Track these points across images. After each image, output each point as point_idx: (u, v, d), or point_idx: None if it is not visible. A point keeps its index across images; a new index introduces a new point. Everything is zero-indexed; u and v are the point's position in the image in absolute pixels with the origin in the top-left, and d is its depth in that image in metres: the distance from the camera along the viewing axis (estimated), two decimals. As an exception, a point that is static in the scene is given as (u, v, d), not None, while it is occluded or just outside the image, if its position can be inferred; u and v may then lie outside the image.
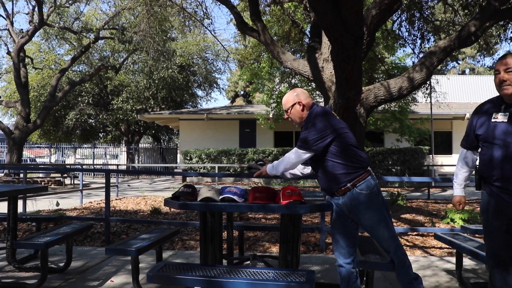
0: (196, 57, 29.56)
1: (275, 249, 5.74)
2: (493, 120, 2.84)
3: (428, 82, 15.06)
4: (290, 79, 17.89)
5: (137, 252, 3.73)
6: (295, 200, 3.07)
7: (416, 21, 13.14)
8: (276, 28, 15.46)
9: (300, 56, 15.63)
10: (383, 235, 3.06)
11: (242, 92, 49.55)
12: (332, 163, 3.07)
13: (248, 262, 4.52)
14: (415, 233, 6.60)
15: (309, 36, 11.76)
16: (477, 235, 5.50)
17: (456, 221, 7.16)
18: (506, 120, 2.77)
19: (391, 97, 8.25)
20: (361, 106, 8.68)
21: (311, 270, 3.48)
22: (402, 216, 8.47)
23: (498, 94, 2.95)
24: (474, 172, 3.13)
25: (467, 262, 5.11)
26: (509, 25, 11.90)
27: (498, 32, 13.18)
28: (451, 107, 22.76)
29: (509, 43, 47.31)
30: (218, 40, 19.39)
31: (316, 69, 9.41)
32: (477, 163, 3.08)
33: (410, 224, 7.48)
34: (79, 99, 28.24)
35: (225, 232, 4.65)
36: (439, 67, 15.56)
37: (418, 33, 13.48)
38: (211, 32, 16.69)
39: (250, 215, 8.16)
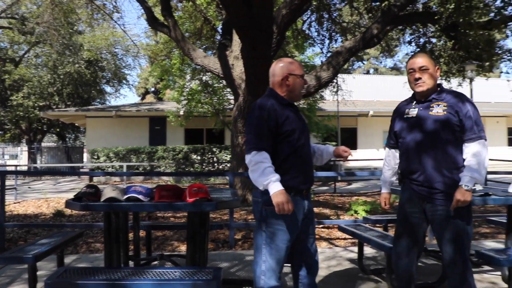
0: (104, 52, 28.41)
1: (184, 248, 5.67)
2: (405, 116, 3.02)
3: (334, 81, 15.68)
4: (201, 76, 17.81)
5: (34, 259, 3.49)
6: (201, 198, 3.04)
7: (325, 22, 13.64)
8: (188, 24, 15.30)
9: (212, 53, 15.60)
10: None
11: (152, 89, 48.44)
12: None
13: (156, 262, 4.42)
14: (321, 226, 6.83)
15: (220, 33, 11.78)
16: (377, 225, 5.83)
17: (359, 213, 7.53)
18: (415, 115, 2.95)
19: (299, 94, 8.47)
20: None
21: (218, 267, 3.48)
22: (310, 210, 8.75)
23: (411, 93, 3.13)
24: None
25: (369, 250, 5.39)
26: (407, 29, 12.74)
27: (397, 36, 14.04)
28: (356, 105, 23.91)
29: (407, 46, 50.81)
30: (128, 35, 18.89)
31: (226, 66, 9.45)
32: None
33: (317, 217, 7.74)
34: (-28, 94, 26.06)
35: (133, 233, 4.51)
36: (345, 66, 16.25)
37: (327, 33, 14.03)
38: (120, 27, 16.21)
39: (159, 214, 8.00)
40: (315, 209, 8.75)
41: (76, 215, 8.36)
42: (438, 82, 3.00)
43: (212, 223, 5.86)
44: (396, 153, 3.22)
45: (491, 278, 4.30)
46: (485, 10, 10.12)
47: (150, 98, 49.40)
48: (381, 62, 53.45)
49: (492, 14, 10.52)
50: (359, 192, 12.37)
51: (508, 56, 11.73)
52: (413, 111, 2.97)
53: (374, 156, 25.50)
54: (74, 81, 27.52)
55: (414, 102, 3.02)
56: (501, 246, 5.30)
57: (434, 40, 12.30)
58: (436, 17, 9.54)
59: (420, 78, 2.92)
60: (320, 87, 9.99)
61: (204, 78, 17.87)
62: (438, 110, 2.85)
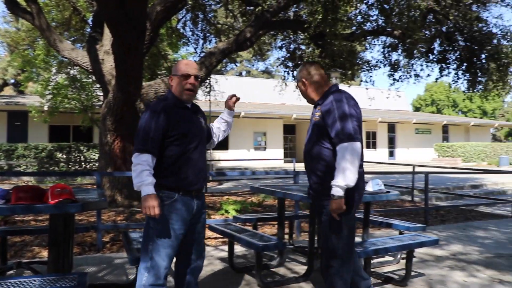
0: (-49, 34, 25.28)
1: (46, 254, 5.27)
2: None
3: (207, 81, 15.79)
4: (68, 69, 16.78)
5: None
6: (65, 199, 2.85)
7: (200, 22, 13.68)
8: (55, 13, 14.29)
9: (81, 47, 14.75)
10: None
11: (12, 81, 44.39)
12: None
13: (12, 271, 4.05)
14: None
15: (91, 25, 11.19)
16: (247, 224, 5.97)
17: (229, 212, 7.66)
18: (310, 119, 3.08)
19: (172, 93, 8.38)
20: (141, 101, 8.62)
21: (84, 272, 3.30)
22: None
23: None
24: None
25: (239, 249, 5.51)
26: (279, 35, 13.30)
27: (270, 41, 14.57)
28: (228, 106, 24.32)
29: (278, 51, 53.12)
30: (-19, 19, 17.01)
31: (96, 61, 9.02)
32: None
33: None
34: None
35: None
36: (218, 67, 16.43)
37: (201, 33, 14.08)
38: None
39: (17, 218, 7.34)
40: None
41: None
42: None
43: (78, 226, 5.52)
44: None
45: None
46: (348, 23, 11.00)
47: (9, 90, 45.13)
48: (253, 65, 55.13)
49: (354, 28, 11.46)
50: (229, 192, 12.59)
51: (366, 67, 12.88)
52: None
53: (245, 156, 26.20)
54: None
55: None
56: (358, 239, 5.76)
57: (303, 47, 13.01)
58: (305, 26, 10.11)
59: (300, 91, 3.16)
60: (194, 86, 9.97)
61: (72, 72, 16.88)
62: (316, 116, 2.97)
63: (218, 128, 3.29)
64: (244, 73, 55.85)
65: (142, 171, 2.63)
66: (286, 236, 5.63)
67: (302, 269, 4.59)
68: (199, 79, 2.94)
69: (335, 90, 2.99)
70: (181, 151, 2.76)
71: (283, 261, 4.83)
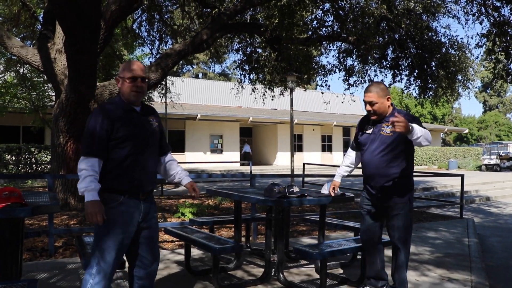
0: None
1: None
2: (366, 131, 3.69)
3: (163, 82, 15.60)
4: (18, 67, 16.16)
5: None
6: (14, 203, 2.73)
7: (156, 23, 13.51)
8: (1, 7, 13.71)
9: (31, 44, 14.24)
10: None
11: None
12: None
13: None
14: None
15: (42, 22, 10.83)
16: (204, 227, 5.93)
17: (186, 215, 7.57)
18: (370, 133, 3.64)
19: (127, 94, 8.21)
20: (95, 102, 8.41)
21: (34, 279, 3.17)
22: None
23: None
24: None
25: (196, 252, 5.45)
26: (235, 38, 13.31)
27: (226, 43, 14.55)
28: (184, 108, 24.16)
29: (235, 54, 53.19)
30: None
31: (47, 60, 8.74)
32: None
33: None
34: None
35: None
36: (174, 69, 16.28)
37: (157, 34, 13.90)
38: None
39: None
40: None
41: None
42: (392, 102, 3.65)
43: (28, 230, 5.31)
44: (353, 155, 3.99)
45: (307, 271, 4.69)
46: (304, 28, 11.14)
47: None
48: (210, 67, 54.96)
49: (310, 33, 11.62)
50: (186, 195, 12.47)
51: (322, 72, 13.09)
52: (370, 129, 3.67)
53: (201, 159, 26.04)
54: None
55: (372, 121, 3.67)
56: (315, 241, 5.82)
57: (260, 50, 13.07)
58: (262, 29, 10.16)
59: (370, 111, 3.57)
60: (148, 88, 9.83)
61: (21, 70, 16.27)
62: (387, 130, 3.52)
63: (170, 168, 3.14)
64: (200, 75, 55.59)
65: (86, 177, 2.60)
66: (243, 239, 5.62)
67: (259, 271, 4.59)
68: (146, 80, 2.87)
69: (397, 109, 3.60)
70: (125, 154, 2.71)
71: (240, 264, 4.81)
